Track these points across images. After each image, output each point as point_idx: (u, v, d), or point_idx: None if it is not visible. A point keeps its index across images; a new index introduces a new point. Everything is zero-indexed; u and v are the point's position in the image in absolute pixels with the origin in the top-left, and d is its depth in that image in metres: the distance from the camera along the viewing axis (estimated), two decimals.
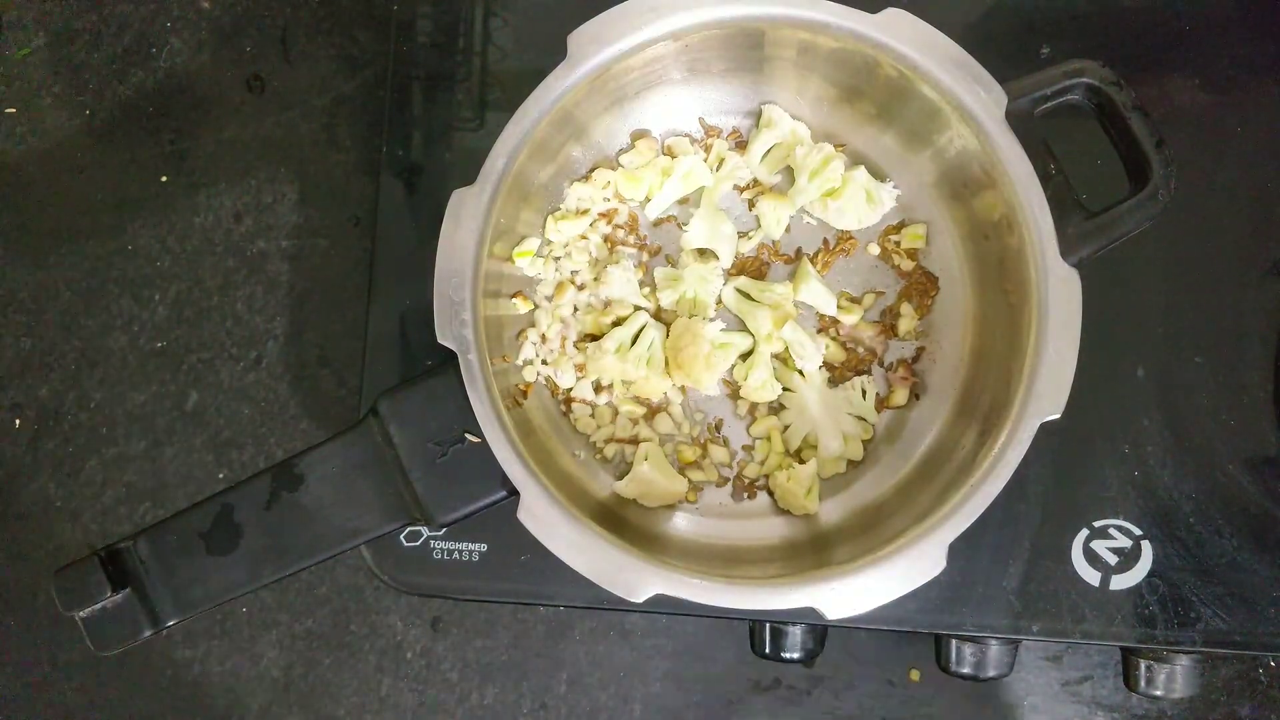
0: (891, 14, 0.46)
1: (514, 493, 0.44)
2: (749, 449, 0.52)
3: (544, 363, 0.52)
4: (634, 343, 0.50)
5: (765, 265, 0.53)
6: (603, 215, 0.53)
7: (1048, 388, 0.44)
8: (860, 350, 0.52)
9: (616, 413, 0.52)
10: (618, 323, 0.51)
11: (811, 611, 0.43)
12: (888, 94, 0.50)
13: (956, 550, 0.43)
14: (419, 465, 0.45)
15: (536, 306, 0.53)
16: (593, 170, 0.54)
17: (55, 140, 0.67)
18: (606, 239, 0.53)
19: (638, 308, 0.52)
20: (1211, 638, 0.51)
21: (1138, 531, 0.52)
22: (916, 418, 0.52)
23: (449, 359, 0.45)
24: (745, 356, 0.51)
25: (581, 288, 0.53)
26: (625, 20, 0.46)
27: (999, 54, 0.48)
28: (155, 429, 0.64)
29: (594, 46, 0.46)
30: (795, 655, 0.54)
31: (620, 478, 0.50)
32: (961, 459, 0.47)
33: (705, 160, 0.53)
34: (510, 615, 0.62)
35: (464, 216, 0.45)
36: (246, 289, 0.65)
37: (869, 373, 0.52)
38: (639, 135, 0.54)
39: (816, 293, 0.51)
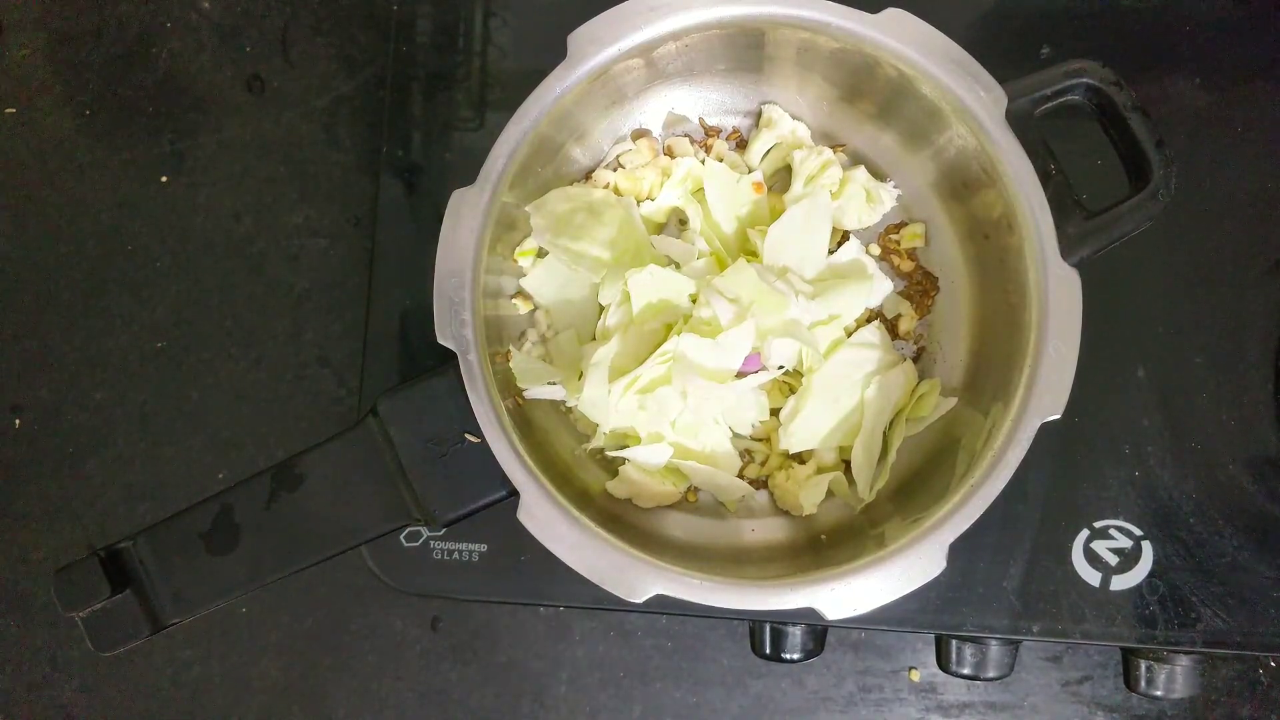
0: (891, 14, 0.46)
1: (514, 493, 0.44)
2: (749, 450, 0.52)
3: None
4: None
5: None
6: None
7: (1048, 388, 0.44)
8: None
9: None
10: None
11: (811, 612, 0.43)
12: (888, 94, 0.50)
13: (956, 550, 0.43)
14: (419, 465, 0.45)
15: (536, 307, 0.53)
16: (593, 170, 0.54)
17: (55, 140, 0.67)
18: None
19: None
20: (1211, 638, 0.51)
21: (1138, 532, 0.52)
22: None
23: (449, 359, 0.45)
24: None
25: None
26: (625, 20, 0.46)
27: (999, 54, 0.47)
28: (155, 429, 0.64)
29: (594, 46, 0.46)
30: (795, 655, 0.54)
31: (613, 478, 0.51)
32: (961, 459, 0.47)
33: (704, 161, 0.53)
34: (510, 615, 0.62)
35: (464, 216, 0.45)
36: (246, 289, 0.65)
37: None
38: (639, 135, 0.54)
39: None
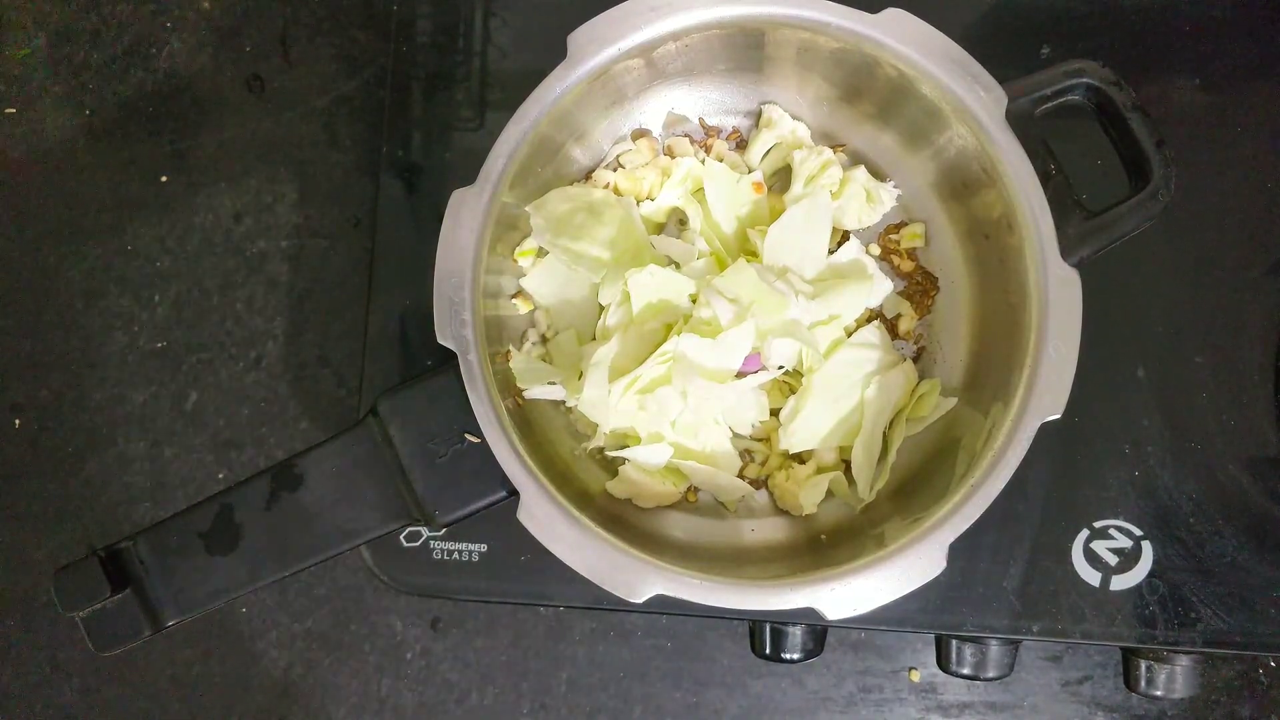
0: (891, 14, 0.46)
1: (514, 493, 0.44)
2: (749, 450, 0.52)
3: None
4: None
5: None
6: None
7: (1048, 388, 0.44)
8: None
9: None
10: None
11: (811, 612, 0.43)
12: (888, 94, 0.50)
13: (956, 550, 0.43)
14: (419, 465, 0.45)
15: (536, 307, 0.53)
16: (593, 170, 0.54)
17: (55, 140, 0.67)
18: None
19: None
20: (1211, 638, 0.51)
21: (1138, 532, 0.52)
22: None
23: (449, 359, 0.45)
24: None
25: None
26: (625, 20, 0.46)
27: (999, 54, 0.48)
28: (155, 429, 0.64)
29: (594, 46, 0.46)
30: (795, 655, 0.54)
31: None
32: (961, 459, 0.47)
33: (704, 161, 0.53)
34: (510, 615, 0.62)
35: (464, 216, 0.45)
36: (246, 289, 0.65)
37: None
38: (639, 135, 0.54)
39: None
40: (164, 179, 0.66)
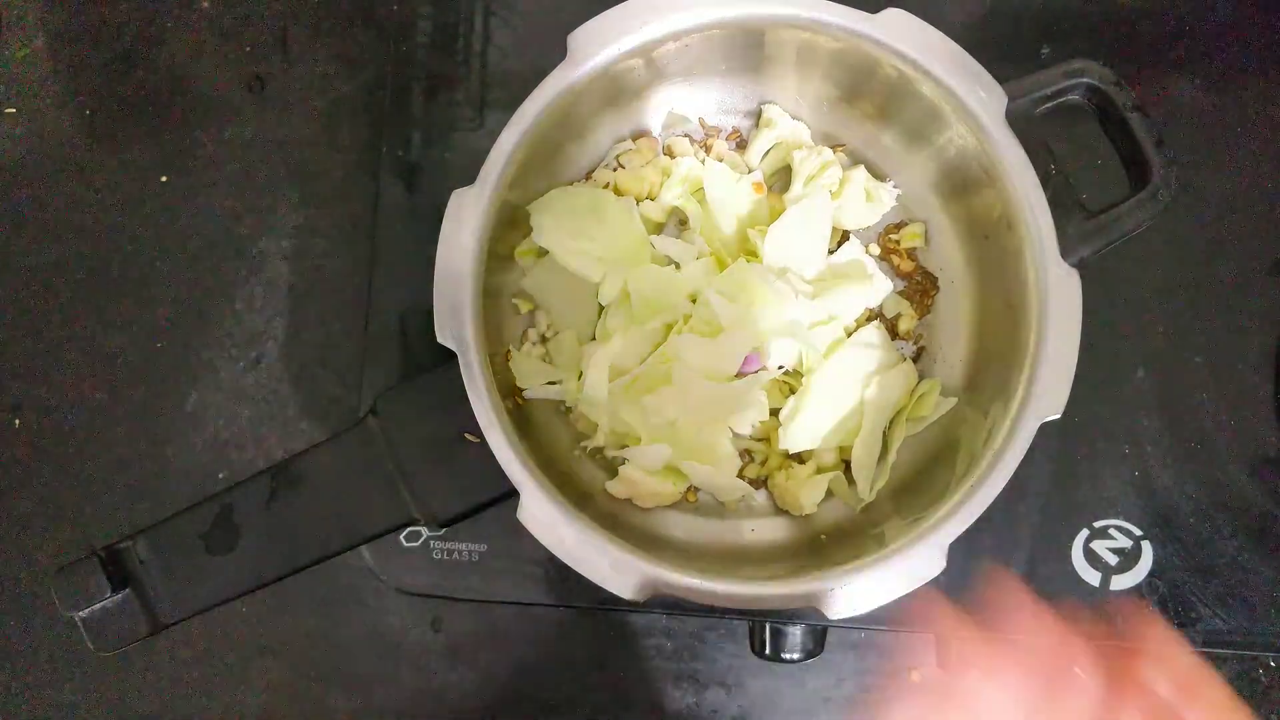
0: (891, 14, 0.46)
1: (514, 492, 0.44)
2: (749, 450, 0.52)
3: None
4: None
5: None
6: None
7: (1048, 388, 0.44)
8: None
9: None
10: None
11: (812, 611, 0.43)
12: (888, 94, 0.50)
13: (956, 550, 0.43)
14: (419, 465, 0.45)
15: (536, 307, 0.53)
16: (593, 170, 0.54)
17: (55, 140, 0.67)
18: None
19: None
20: (1211, 638, 0.51)
21: (1138, 531, 0.52)
22: None
23: (449, 359, 0.45)
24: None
25: None
26: (625, 20, 0.46)
27: (999, 54, 0.48)
28: (155, 429, 0.64)
29: (594, 46, 0.46)
30: (795, 655, 0.54)
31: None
32: (961, 459, 0.47)
33: (704, 161, 0.53)
34: (510, 615, 0.62)
35: (464, 216, 0.45)
36: (246, 289, 0.65)
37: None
38: (639, 135, 0.54)
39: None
40: (164, 179, 0.66)
